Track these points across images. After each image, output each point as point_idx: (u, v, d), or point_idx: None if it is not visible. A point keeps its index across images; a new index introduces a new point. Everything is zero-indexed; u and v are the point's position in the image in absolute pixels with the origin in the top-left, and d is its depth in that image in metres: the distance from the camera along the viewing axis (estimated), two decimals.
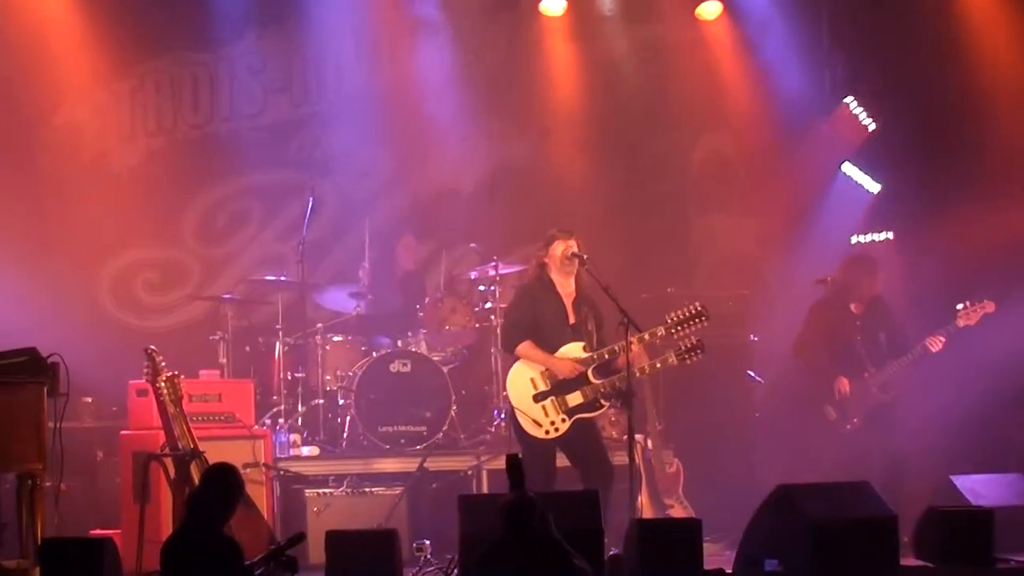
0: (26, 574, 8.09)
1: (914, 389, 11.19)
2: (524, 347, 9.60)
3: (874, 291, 11.16)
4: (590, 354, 9.52)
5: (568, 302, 9.68)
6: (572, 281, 9.70)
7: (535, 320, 9.61)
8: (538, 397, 9.50)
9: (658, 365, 9.64)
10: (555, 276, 9.68)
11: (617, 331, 9.20)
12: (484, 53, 12.94)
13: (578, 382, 9.49)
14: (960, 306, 10.77)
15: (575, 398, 9.49)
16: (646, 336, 9.38)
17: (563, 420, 9.48)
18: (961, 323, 10.76)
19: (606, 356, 9.47)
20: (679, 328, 9.50)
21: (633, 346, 9.25)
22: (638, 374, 9.54)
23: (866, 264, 11.29)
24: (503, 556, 7.04)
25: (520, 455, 7.68)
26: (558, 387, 9.48)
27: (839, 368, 10.96)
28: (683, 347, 9.54)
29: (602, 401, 9.50)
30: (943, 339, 10.76)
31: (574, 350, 9.55)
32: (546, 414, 9.49)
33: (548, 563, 6.96)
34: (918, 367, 10.94)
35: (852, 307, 11.10)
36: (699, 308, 9.54)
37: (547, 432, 9.48)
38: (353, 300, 11.92)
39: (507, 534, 7.03)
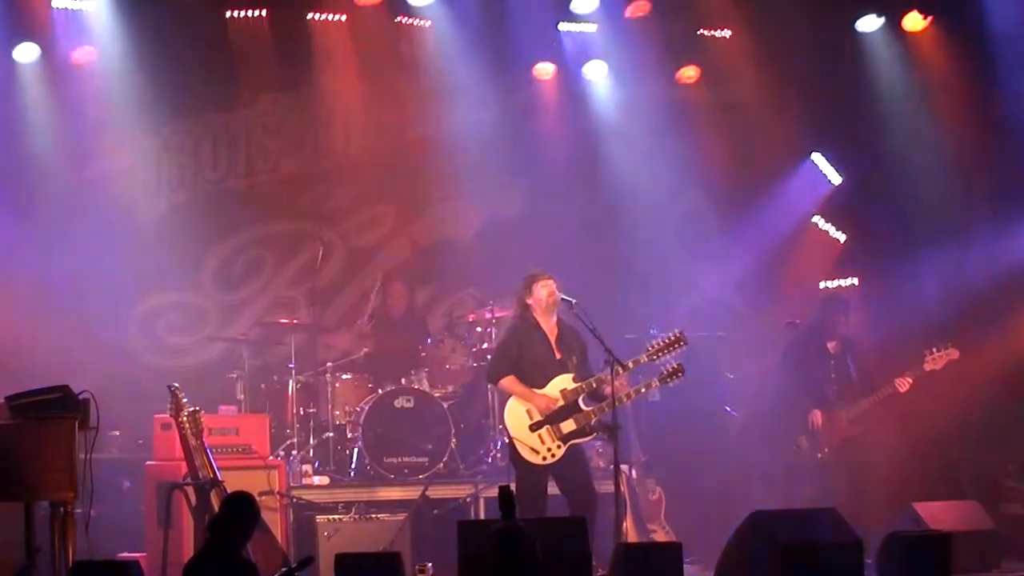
0: None
1: (881, 424, 11.24)
2: (507, 381, 9.66)
3: (847, 329, 11.22)
4: (578, 384, 9.57)
5: (552, 338, 9.72)
6: (553, 318, 9.75)
7: (522, 357, 9.66)
8: (534, 427, 9.53)
9: (643, 390, 9.70)
10: (539, 316, 9.72)
11: (602, 363, 9.25)
12: (479, 113, 12.99)
13: (570, 410, 9.53)
14: (928, 351, 10.82)
15: (568, 425, 9.54)
16: (630, 364, 9.43)
17: (558, 446, 9.52)
18: (928, 367, 10.81)
19: (594, 385, 9.52)
20: (660, 354, 9.58)
21: (618, 376, 9.30)
22: (625, 399, 9.59)
23: (839, 303, 11.37)
24: None
25: (513, 485, 7.69)
26: (552, 416, 9.52)
27: (813, 402, 11.01)
28: (665, 371, 9.60)
29: (592, 426, 9.54)
30: (911, 380, 10.81)
31: (563, 381, 9.60)
32: (542, 442, 9.52)
33: None
34: (885, 404, 10.99)
35: (829, 346, 11.16)
36: (678, 335, 9.62)
37: (544, 458, 9.52)
38: (360, 341, 11.95)
39: (497, 561, 7.02)
